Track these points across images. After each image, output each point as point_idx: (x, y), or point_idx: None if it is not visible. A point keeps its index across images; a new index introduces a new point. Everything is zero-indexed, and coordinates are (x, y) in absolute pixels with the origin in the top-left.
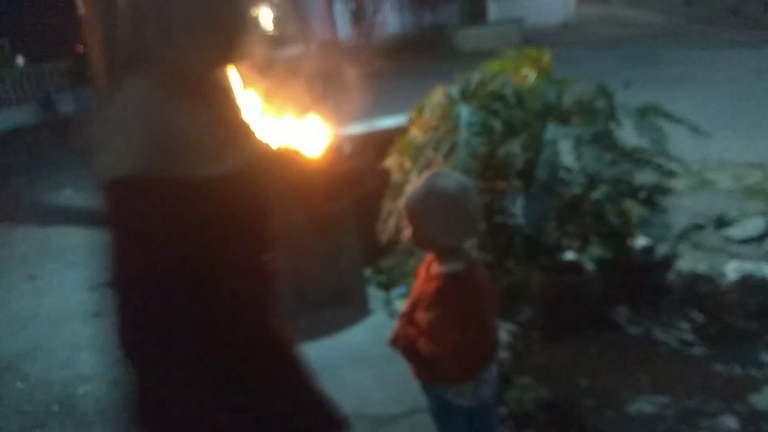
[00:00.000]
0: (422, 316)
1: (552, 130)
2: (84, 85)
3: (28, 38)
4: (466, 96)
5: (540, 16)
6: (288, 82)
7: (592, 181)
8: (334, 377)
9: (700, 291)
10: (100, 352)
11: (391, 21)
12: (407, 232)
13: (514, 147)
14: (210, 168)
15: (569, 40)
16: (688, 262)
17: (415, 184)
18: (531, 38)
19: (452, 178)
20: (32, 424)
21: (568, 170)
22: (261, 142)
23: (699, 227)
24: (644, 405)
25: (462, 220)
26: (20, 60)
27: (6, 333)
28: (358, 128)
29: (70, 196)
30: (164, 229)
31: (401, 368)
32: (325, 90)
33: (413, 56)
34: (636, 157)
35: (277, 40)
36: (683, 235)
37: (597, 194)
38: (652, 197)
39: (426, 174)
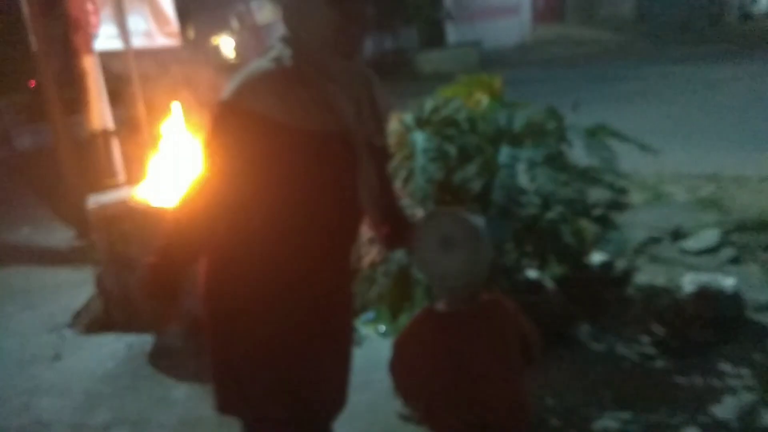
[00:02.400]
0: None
1: (505, 154)
2: (41, 120)
3: None
4: (420, 123)
5: (497, 39)
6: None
7: (547, 202)
8: None
9: (659, 304)
10: (59, 396)
11: None
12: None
13: (470, 171)
14: None
15: (526, 60)
16: (647, 275)
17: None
18: (489, 60)
19: (454, 220)
20: None
21: (524, 192)
22: None
23: (656, 240)
24: (609, 422)
25: (461, 269)
26: None
27: None
28: None
29: (27, 234)
30: None
31: (368, 396)
32: None
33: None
34: (588, 176)
35: (239, 68)
36: (641, 249)
37: (552, 214)
38: (605, 215)
39: (425, 215)
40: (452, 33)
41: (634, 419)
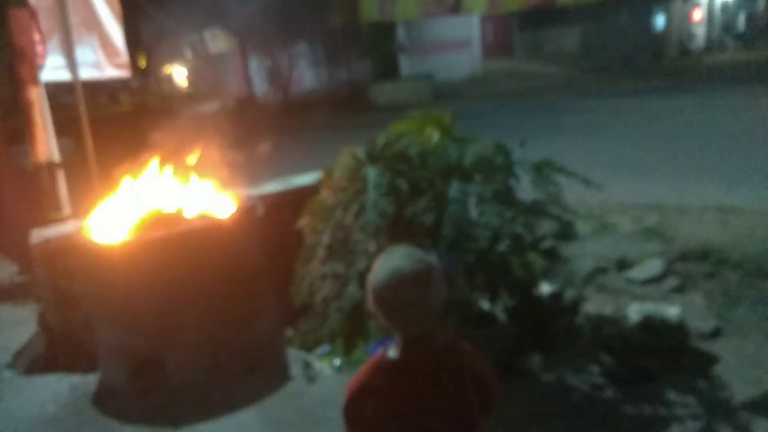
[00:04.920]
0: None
1: (455, 189)
2: (18, 144)
3: None
4: (372, 157)
5: (449, 72)
6: (202, 139)
7: (496, 236)
8: None
9: (607, 333)
10: None
11: (306, 77)
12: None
13: (421, 206)
14: None
15: (477, 93)
16: (595, 305)
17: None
18: (441, 92)
19: (393, 260)
20: None
21: (474, 226)
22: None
23: (603, 270)
24: None
25: (394, 312)
26: None
27: None
28: (275, 186)
29: None
30: None
31: None
32: (240, 146)
33: (330, 111)
34: (536, 211)
35: (192, 97)
36: (588, 279)
37: (501, 248)
38: (553, 248)
39: (382, 254)
40: (406, 66)
41: None
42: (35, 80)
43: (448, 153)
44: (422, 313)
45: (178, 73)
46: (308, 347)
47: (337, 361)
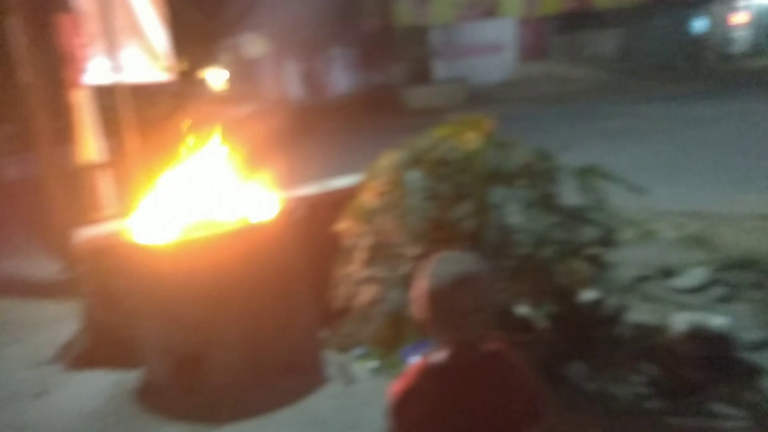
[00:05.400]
0: (390, 390)
1: (498, 194)
2: (29, 150)
3: None
4: (414, 161)
5: (483, 75)
6: (239, 141)
7: (539, 242)
8: None
9: (651, 343)
10: None
11: (340, 81)
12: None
13: (463, 211)
14: None
15: (511, 97)
16: (637, 313)
17: (421, 270)
18: (475, 96)
19: (451, 265)
20: None
21: (516, 231)
22: None
23: (645, 278)
24: None
25: (457, 318)
26: None
27: None
28: (311, 189)
29: (14, 265)
30: None
31: None
32: (276, 149)
33: (363, 115)
34: (579, 216)
35: (228, 100)
36: (631, 287)
37: (545, 254)
38: (597, 255)
39: (431, 258)
40: (440, 69)
41: None
42: (79, 83)
43: (490, 158)
44: (478, 318)
45: (215, 77)
46: (344, 349)
47: (373, 364)
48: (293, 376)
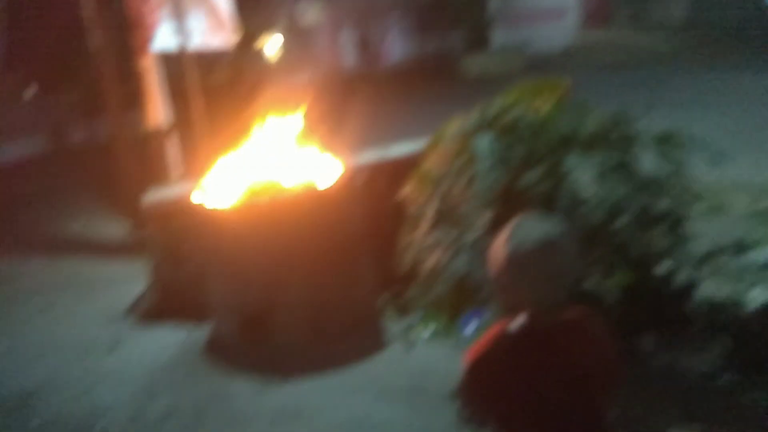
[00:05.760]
0: (465, 356)
1: (572, 161)
2: (95, 116)
3: (39, 69)
4: (484, 126)
5: (543, 42)
6: (296, 109)
7: (614, 210)
8: (355, 410)
9: (723, 318)
10: (117, 385)
11: (396, 48)
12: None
13: (534, 177)
14: None
15: (573, 65)
16: (709, 288)
17: (501, 232)
18: (535, 64)
19: (537, 229)
20: None
21: (590, 200)
22: None
23: (718, 253)
24: None
25: (541, 282)
26: (30, 90)
27: (23, 365)
28: (370, 156)
29: (82, 226)
30: None
31: (424, 400)
32: (332, 117)
33: (419, 82)
34: (657, 185)
35: (285, 69)
36: (703, 261)
37: (619, 224)
38: (676, 225)
39: (512, 222)
40: (498, 36)
41: None
42: (147, 48)
43: (563, 123)
44: (561, 283)
45: (271, 45)
46: (404, 315)
47: (428, 331)
48: (354, 338)
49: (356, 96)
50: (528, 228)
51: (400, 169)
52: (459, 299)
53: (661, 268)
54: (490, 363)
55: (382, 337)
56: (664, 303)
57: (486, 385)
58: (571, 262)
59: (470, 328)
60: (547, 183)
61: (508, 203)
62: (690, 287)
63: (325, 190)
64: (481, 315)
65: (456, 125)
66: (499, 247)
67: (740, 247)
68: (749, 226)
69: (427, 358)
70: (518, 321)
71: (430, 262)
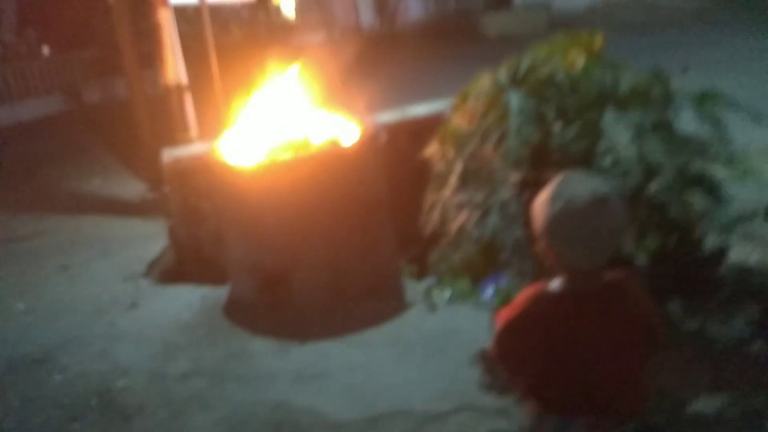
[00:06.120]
0: (497, 318)
1: (609, 118)
2: (110, 74)
3: (54, 28)
4: (515, 82)
5: (566, 1)
6: (313, 69)
7: (652, 171)
8: (376, 371)
9: (754, 284)
10: (137, 344)
11: (414, 7)
12: (535, 244)
13: (569, 135)
14: None
15: (597, 24)
16: (739, 254)
17: (546, 187)
18: (557, 23)
19: (586, 184)
20: (71, 417)
21: (627, 159)
22: None
23: (748, 217)
24: (704, 405)
25: (590, 240)
26: (46, 49)
27: (42, 323)
28: (389, 116)
29: (99, 185)
30: None
31: (445, 362)
32: (351, 77)
33: (438, 42)
34: (697, 146)
35: (300, 28)
36: (732, 226)
37: (656, 185)
38: (717, 187)
39: (557, 178)
40: None
41: (732, 404)
42: (164, 3)
43: (600, 79)
44: (610, 243)
45: (286, 4)
46: (425, 276)
47: (451, 293)
48: (374, 300)
49: (375, 55)
50: (576, 184)
51: (422, 129)
52: (485, 261)
53: (695, 233)
54: (525, 325)
55: (402, 299)
56: (694, 268)
57: (519, 347)
58: (622, 220)
59: (489, 292)
60: (582, 142)
61: (539, 163)
62: (720, 252)
63: (347, 149)
64: (499, 279)
65: (484, 82)
66: (546, 204)
67: None
68: None
69: (449, 321)
70: (558, 282)
71: (457, 223)
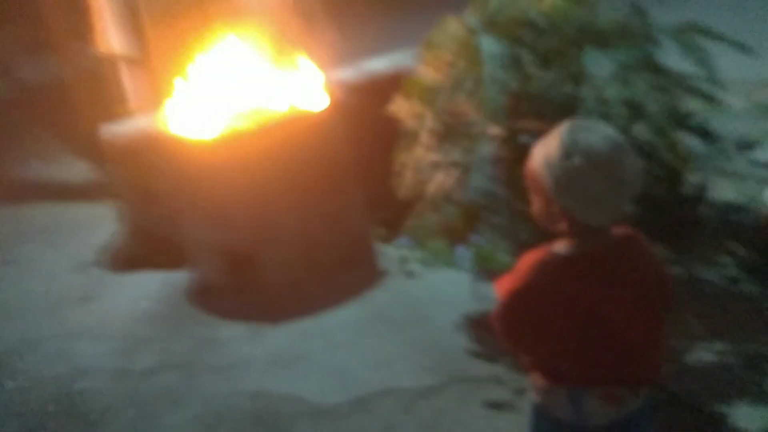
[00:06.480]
0: (499, 286)
1: (592, 57)
2: (43, 51)
3: None
4: (486, 25)
5: None
6: (261, 25)
7: (636, 112)
8: (359, 348)
9: (736, 221)
10: (95, 341)
11: None
12: (533, 204)
13: (549, 79)
14: None
15: None
16: (717, 190)
17: (547, 140)
18: None
19: (599, 132)
20: (27, 429)
21: (614, 100)
22: None
23: (721, 151)
24: (703, 353)
25: (614, 192)
26: None
27: None
28: (348, 73)
29: (39, 169)
30: None
31: (429, 332)
32: (303, 32)
33: None
34: (684, 83)
35: None
36: (706, 161)
37: (643, 126)
38: (705, 126)
39: (561, 127)
40: None
41: (731, 350)
42: None
43: (574, 16)
44: (628, 195)
45: None
46: (400, 242)
47: (429, 258)
48: (349, 271)
49: (325, 8)
50: (587, 133)
51: (385, 84)
52: (466, 224)
53: (683, 175)
54: (535, 295)
55: (377, 266)
56: (677, 208)
57: (528, 320)
58: (638, 169)
59: (465, 254)
60: (565, 85)
61: (520, 112)
62: (702, 190)
63: (308, 113)
64: (476, 240)
65: (451, 28)
66: (560, 159)
67: (743, 145)
68: (746, 122)
69: (428, 287)
70: (564, 244)
71: (434, 184)
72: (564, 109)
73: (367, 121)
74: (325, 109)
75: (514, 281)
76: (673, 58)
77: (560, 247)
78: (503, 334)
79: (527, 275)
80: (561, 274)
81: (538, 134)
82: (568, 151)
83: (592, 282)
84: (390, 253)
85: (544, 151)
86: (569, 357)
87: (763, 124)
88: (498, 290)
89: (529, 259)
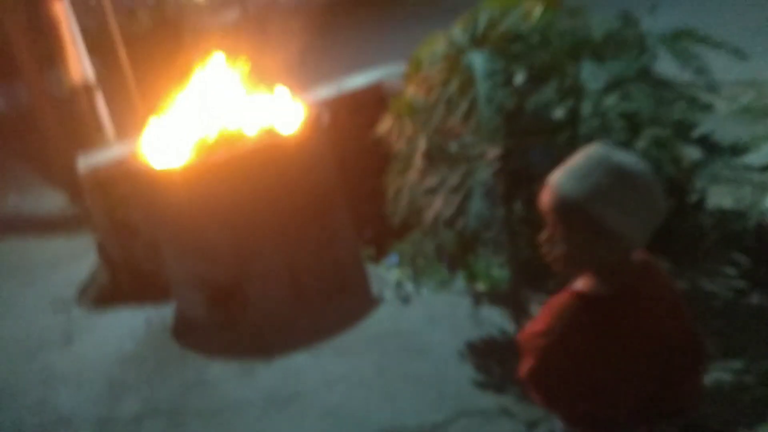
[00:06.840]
0: (526, 343)
1: (588, 71)
2: (13, 80)
3: None
4: (475, 41)
5: None
6: (234, 50)
7: (636, 125)
8: (357, 384)
9: (735, 230)
10: (78, 387)
11: None
12: (555, 243)
13: (547, 95)
14: None
15: None
16: (713, 197)
17: (570, 167)
18: None
19: (622, 155)
20: None
21: (612, 114)
22: None
23: (713, 158)
24: (720, 373)
25: (652, 211)
26: None
27: None
28: (325, 92)
29: (15, 204)
30: None
31: (431, 362)
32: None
33: (363, 8)
34: (683, 93)
35: (211, 8)
36: (698, 167)
37: (644, 140)
38: (708, 137)
39: (584, 152)
40: None
41: (748, 368)
42: None
43: (567, 29)
44: (659, 220)
45: None
46: (378, 259)
47: (424, 284)
48: (341, 298)
49: (296, 30)
50: (613, 155)
51: (360, 103)
52: (464, 249)
53: (687, 188)
54: (571, 342)
55: (370, 292)
56: (678, 219)
57: (565, 370)
58: (663, 197)
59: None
60: (563, 101)
61: (517, 132)
62: (701, 199)
63: (288, 136)
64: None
65: (437, 45)
66: (594, 180)
67: (736, 150)
68: (735, 126)
69: (426, 313)
70: (587, 282)
71: (432, 211)
72: (563, 128)
73: (348, 139)
74: (305, 131)
75: (542, 333)
76: (667, 66)
77: (584, 286)
78: (541, 396)
79: (558, 324)
80: (597, 316)
81: (537, 152)
82: (603, 172)
83: (630, 318)
84: (382, 275)
85: (568, 177)
86: (610, 405)
87: (753, 127)
88: (525, 346)
89: (554, 306)
